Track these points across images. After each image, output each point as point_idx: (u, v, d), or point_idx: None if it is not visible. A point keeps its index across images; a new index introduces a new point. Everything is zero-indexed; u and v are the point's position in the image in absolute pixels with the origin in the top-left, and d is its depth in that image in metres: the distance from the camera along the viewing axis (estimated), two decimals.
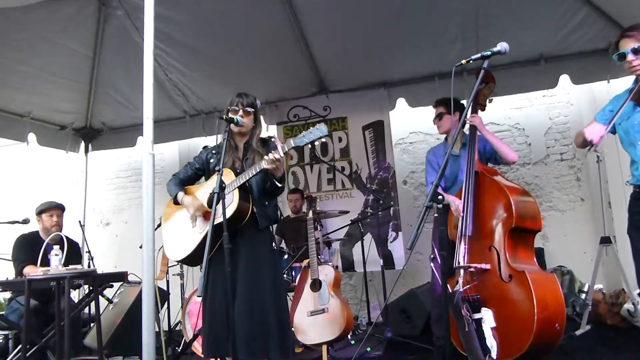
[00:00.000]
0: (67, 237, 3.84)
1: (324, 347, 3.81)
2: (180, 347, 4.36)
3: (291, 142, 2.70)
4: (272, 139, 3.02)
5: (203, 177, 3.14)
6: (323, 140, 2.71)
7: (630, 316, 4.21)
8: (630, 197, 2.75)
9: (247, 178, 2.76)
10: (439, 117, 3.66)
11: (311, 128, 2.69)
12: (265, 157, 2.70)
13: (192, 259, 2.95)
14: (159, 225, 3.22)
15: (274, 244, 3.05)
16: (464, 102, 4.05)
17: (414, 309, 4.68)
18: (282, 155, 2.68)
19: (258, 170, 2.73)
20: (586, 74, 4.80)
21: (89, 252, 4.84)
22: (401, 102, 5.39)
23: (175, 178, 3.09)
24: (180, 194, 2.98)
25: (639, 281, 2.70)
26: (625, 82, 3.40)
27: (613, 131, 2.78)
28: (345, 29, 4.63)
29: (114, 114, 5.86)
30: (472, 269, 2.87)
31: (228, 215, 2.66)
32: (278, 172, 2.76)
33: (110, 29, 4.57)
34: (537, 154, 5.73)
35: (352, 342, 4.38)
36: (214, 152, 3.08)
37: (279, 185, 2.84)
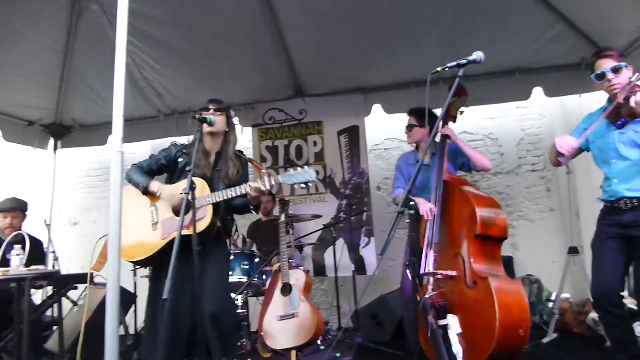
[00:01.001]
0: (29, 236, 3.72)
1: (293, 352, 3.77)
2: None
3: (279, 179, 2.75)
4: (263, 171, 2.97)
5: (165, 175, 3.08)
6: (310, 184, 2.78)
7: (595, 325, 4.28)
8: (600, 211, 2.81)
9: (224, 198, 2.76)
10: (409, 128, 3.70)
11: (299, 169, 2.73)
12: (251, 184, 2.72)
13: (147, 262, 2.90)
14: None
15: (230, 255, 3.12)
16: (438, 110, 4.08)
17: (384, 315, 4.68)
18: (268, 187, 2.72)
19: (237, 194, 2.74)
20: (559, 87, 4.90)
21: (54, 252, 4.70)
22: (377, 108, 5.41)
23: (137, 168, 2.96)
24: (156, 184, 2.87)
25: (592, 291, 2.76)
26: (596, 97, 3.48)
27: (587, 148, 2.84)
28: (323, 33, 4.63)
29: (86, 111, 5.71)
30: (438, 276, 2.89)
31: (201, 228, 2.70)
32: (256, 200, 2.84)
33: (84, 23, 4.46)
34: (509, 163, 5.81)
35: (322, 347, 4.35)
36: (183, 150, 3.02)
37: (253, 212, 2.91)
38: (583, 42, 4.36)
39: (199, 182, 2.77)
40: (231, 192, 2.72)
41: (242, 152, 3.12)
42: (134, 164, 3.00)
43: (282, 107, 5.66)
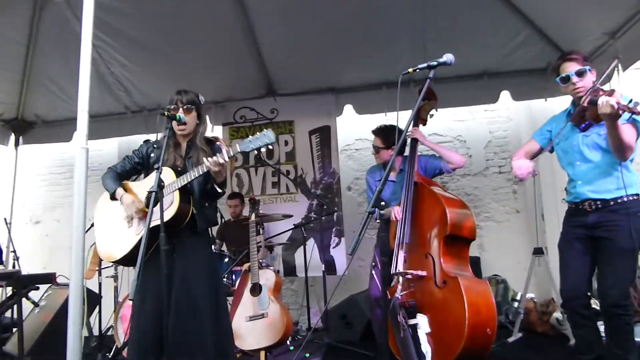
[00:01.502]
0: None
1: (262, 353, 3.75)
2: (112, 353, 4.17)
3: (237, 147, 2.58)
4: (218, 142, 2.92)
5: (142, 173, 3.00)
6: (270, 147, 2.60)
7: (559, 324, 4.40)
8: (566, 212, 2.87)
9: (189, 180, 2.65)
10: (375, 150, 3.71)
11: (258, 133, 2.56)
12: (209, 159, 2.59)
13: (127, 260, 2.81)
14: (92, 226, 3.03)
15: (212, 247, 2.96)
16: (408, 112, 4.11)
17: (354, 315, 4.70)
18: (226, 159, 2.58)
19: (200, 173, 2.62)
20: (526, 91, 5.01)
21: (14, 251, 4.55)
22: (348, 109, 5.42)
23: (111, 172, 2.91)
24: (120, 191, 2.81)
25: (561, 291, 2.82)
26: (561, 101, 3.57)
27: (551, 150, 2.90)
28: (296, 32, 4.60)
29: (50, 107, 5.54)
30: (409, 276, 2.91)
31: (168, 217, 2.58)
32: (220, 176, 2.67)
33: (48, 16, 4.33)
34: (477, 165, 5.91)
35: (291, 347, 4.33)
36: (155, 146, 2.94)
37: (219, 190, 2.76)
38: (550, 48, 4.47)
39: (165, 173, 2.67)
40: (193, 173, 2.64)
41: (216, 137, 3.04)
42: (109, 168, 2.96)
43: (253, 106, 5.61)
